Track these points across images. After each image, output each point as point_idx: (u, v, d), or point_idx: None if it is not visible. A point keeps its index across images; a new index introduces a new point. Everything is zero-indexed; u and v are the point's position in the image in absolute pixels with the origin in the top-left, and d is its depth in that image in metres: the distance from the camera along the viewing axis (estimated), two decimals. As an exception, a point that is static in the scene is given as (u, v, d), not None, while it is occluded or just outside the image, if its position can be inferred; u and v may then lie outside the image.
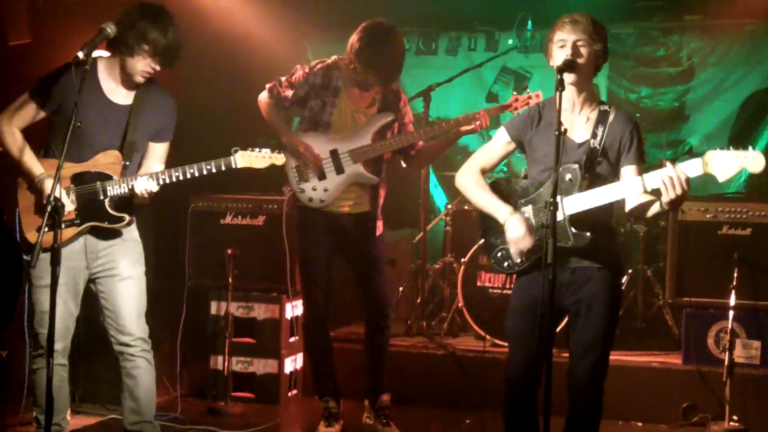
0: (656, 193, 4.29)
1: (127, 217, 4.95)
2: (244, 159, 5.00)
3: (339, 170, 5.83)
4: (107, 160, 4.88)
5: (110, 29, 4.57)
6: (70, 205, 4.81)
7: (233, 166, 4.98)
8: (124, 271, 4.98)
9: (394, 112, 5.90)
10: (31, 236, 4.82)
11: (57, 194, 4.36)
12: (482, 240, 4.76)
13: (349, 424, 6.10)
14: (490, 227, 4.67)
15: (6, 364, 5.81)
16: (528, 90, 6.03)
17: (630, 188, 4.35)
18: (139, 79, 4.86)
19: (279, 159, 5.10)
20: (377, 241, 6.01)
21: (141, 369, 5.01)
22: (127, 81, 4.90)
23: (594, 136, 4.49)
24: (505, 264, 4.63)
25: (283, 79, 5.91)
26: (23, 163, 4.82)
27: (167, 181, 4.89)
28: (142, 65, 4.79)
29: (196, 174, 4.94)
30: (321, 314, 6.05)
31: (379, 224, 6.02)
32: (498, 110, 6.09)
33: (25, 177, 4.85)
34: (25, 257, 4.82)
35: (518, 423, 4.64)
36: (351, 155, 5.81)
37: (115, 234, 4.96)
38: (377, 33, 5.68)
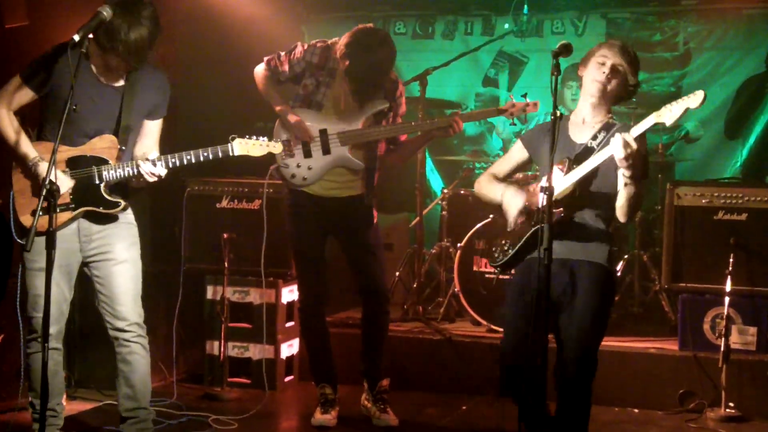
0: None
1: (122, 203, 4.90)
2: (241, 147, 4.97)
3: (326, 150, 5.76)
4: (103, 145, 4.84)
5: (106, 12, 4.46)
6: (69, 181, 4.77)
7: (230, 154, 4.95)
8: (120, 255, 4.94)
9: (389, 101, 5.85)
10: (26, 219, 4.78)
11: (53, 177, 4.32)
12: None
13: (345, 410, 6.09)
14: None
15: (1, 348, 5.79)
16: (526, 98, 5.90)
17: (605, 154, 4.42)
18: (119, 71, 4.79)
19: (276, 147, 5.08)
20: (371, 226, 5.95)
21: (136, 355, 4.98)
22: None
23: (594, 138, 4.61)
24: (491, 257, 4.83)
25: (282, 53, 5.87)
26: (18, 147, 4.76)
27: (163, 166, 4.85)
28: (113, 62, 4.71)
29: (193, 161, 4.90)
30: (316, 298, 6.01)
31: (374, 212, 5.97)
32: (480, 115, 6.00)
33: (20, 161, 4.81)
34: (19, 241, 4.83)
35: (520, 404, 4.64)
36: (339, 137, 5.75)
37: (109, 218, 4.93)
38: (362, 45, 5.60)
